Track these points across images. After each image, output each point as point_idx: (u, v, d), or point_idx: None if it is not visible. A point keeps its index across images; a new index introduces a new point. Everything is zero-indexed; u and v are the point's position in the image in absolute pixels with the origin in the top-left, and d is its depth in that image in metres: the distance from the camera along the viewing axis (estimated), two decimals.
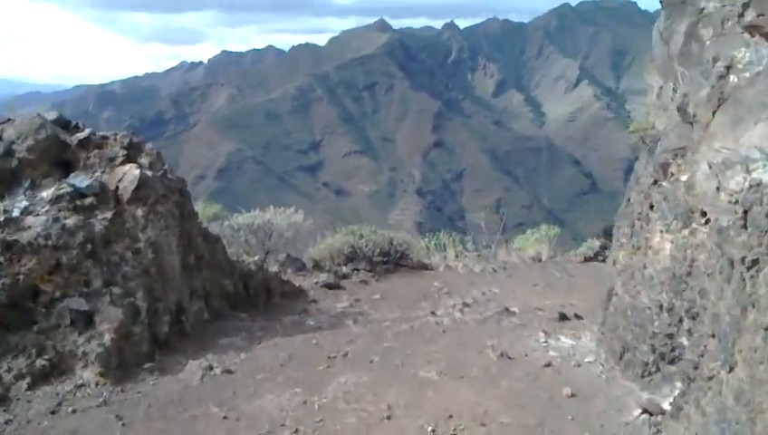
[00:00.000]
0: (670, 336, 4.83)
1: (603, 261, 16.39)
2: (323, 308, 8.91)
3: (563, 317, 7.93)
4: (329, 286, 10.02)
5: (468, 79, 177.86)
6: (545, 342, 6.84)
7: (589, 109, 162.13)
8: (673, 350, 4.85)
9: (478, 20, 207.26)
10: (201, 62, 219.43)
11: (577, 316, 8.28)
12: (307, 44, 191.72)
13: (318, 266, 10.87)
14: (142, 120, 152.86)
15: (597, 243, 18.51)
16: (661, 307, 4.94)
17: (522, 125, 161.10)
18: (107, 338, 6.23)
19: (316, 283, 10.14)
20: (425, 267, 12.02)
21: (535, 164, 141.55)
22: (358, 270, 10.98)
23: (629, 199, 6.44)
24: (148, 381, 6.02)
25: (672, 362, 4.90)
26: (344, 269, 10.88)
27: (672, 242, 4.88)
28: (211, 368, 6.33)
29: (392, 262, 11.59)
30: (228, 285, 8.65)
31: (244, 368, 6.40)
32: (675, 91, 7.28)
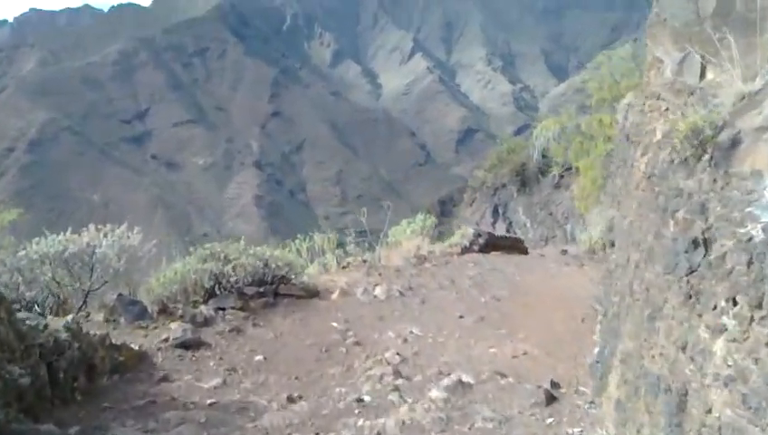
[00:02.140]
0: None
1: (479, 252, 14.87)
2: (181, 395, 5.71)
3: (550, 397, 5.48)
4: (185, 345, 6.76)
5: (305, 47, 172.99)
6: None
7: (422, 81, 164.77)
8: None
9: None
10: (6, 21, 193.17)
11: (555, 385, 5.91)
12: (129, 5, 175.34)
13: (166, 311, 7.49)
14: None
15: (470, 231, 17.26)
16: None
17: (359, 96, 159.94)
18: None
19: (165, 340, 6.82)
20: (312, 294, 9.08)
21: (373, 136, 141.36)
22: (224, 310, 7.80)
23: (703, 241, 4.03)
24: None
25: None
26: (205, 311, 7.62)
27: None
28: None
29: (270, 292, 8.53)
30: (20, 376, 5.17)
31: None
32: (703, 64, 5.05)
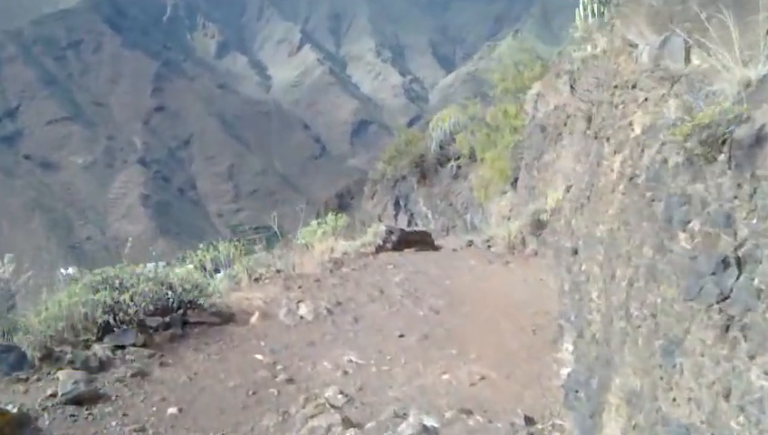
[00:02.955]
0: None
1: (393, 249, 14.21)
2: None
3: (530, 422, 4.71)
4: (78, 401, 5.43)
5: (188, 39, 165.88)
6: None
7: (313, 73, 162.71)
8: None
9: None
10: None
11: (529, 420, 5.16)
12: None
13: (51, 356, 6.06)
14: None
15: (382, 228, 16.54)
16: None
17: (248, 89, 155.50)
18: None
19: (52, 396, 5.45)
20: (226, 318, 7.87)
21: (266, 129, 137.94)
22: (123, 348, 6.48)
23: (735, 260, 3.32)
24: None
25: None
26: (100, 352, 6.27)
27: None
28: None
29: (177, 321, 7.26)
30: None
31: None
32: (688, 47, 4.49)
